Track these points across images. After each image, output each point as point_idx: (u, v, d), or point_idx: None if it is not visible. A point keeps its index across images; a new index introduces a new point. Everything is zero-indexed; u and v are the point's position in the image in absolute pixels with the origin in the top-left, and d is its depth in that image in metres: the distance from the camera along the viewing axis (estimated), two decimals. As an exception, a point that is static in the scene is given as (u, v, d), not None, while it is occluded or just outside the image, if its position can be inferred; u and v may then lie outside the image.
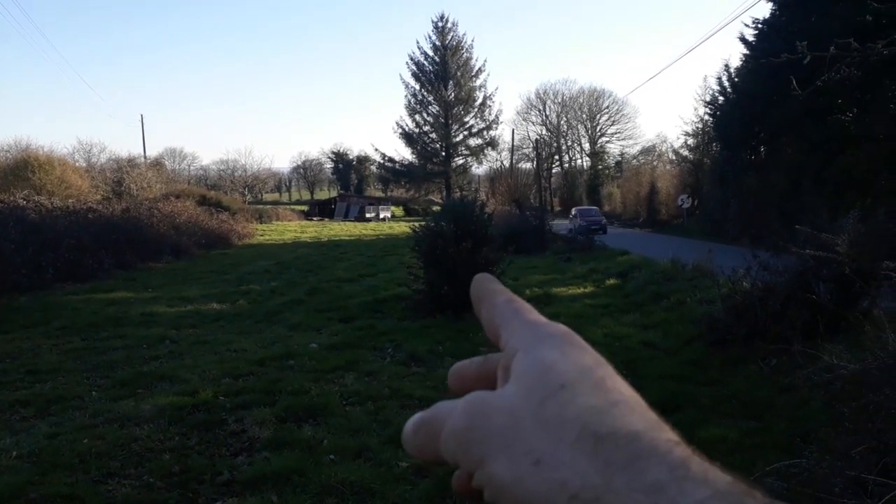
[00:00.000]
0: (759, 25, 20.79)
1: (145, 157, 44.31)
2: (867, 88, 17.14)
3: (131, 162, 35.33)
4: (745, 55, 22.27)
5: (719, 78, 25.38)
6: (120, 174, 30.38)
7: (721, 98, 25.23)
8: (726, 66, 24.84)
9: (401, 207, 55.67)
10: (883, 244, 6.06)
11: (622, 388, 0.32)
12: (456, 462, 0.34)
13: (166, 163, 55.73)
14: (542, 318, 0.38)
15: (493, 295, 0.40)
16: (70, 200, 18.93)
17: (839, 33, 6.29)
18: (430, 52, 54.11)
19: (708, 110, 27.34)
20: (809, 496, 2.71)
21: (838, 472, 2.84)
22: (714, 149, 28.37)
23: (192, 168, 73.02)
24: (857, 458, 2.92)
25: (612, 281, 12.41)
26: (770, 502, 0.27)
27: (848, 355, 4.06)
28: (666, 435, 0.30)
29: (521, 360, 0.35)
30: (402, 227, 28.44)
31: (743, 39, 21.91)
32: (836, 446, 3.13)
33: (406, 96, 55.05)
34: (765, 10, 21.99)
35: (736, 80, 23.76)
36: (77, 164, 31.82)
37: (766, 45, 18.84)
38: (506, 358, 0.36)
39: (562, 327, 0.36)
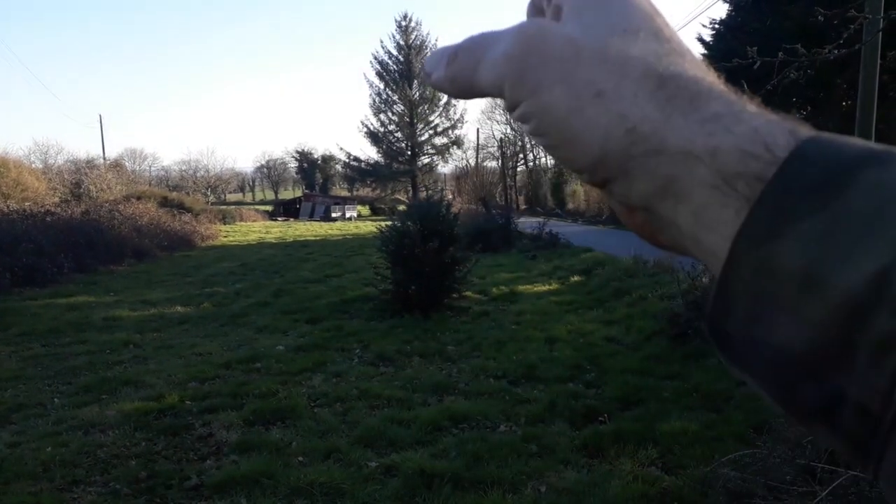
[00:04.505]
0: (716, 26, 21.21)
1: (105, 158, 43.53)
2: (820, 87, 17.65)
3: (90, 163, 34.65)
4: (702, 55, 22.65)
5: (679, 77, 25.85)
6: (78, 176, 29.69)
7: (681, 97, 25.67)
8: (686, 65, 25.32)
9: (367, 207, 55.38)
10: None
11: (679, 40, 0.32)
12: (500, 91, 0.32)
13: (126, 164, 54.76)
14: None
15: None
16: (27, 203, 18.47)
17: (793, 33, 6.52)
18: (395, 52, 53.99)
19: (669, 109, 27.74)
20: (763, 485, 2.83)
21: (790, 460, 2.96)
22: (675, 147, 28.77)
23: (153, 169, 71.93)
24: (807, 447, 3.05)
25: (576, 278, 12.57)
26: (818, 133, 0.28)
27: (801, 348, 4.20)
28: (722, 85, 0.31)
29: None
30: (369, 227, 28.36)
31: (701, 40, 22.32)
32: (788, 436, 3.26)
33: (371, 95, 54.89)
34: (721, 11, 22.44)
35: (695, 79, 24.19)
36: (33, 165, 31.00)
37: (723, 45, 19.23)
38: None
39: None
